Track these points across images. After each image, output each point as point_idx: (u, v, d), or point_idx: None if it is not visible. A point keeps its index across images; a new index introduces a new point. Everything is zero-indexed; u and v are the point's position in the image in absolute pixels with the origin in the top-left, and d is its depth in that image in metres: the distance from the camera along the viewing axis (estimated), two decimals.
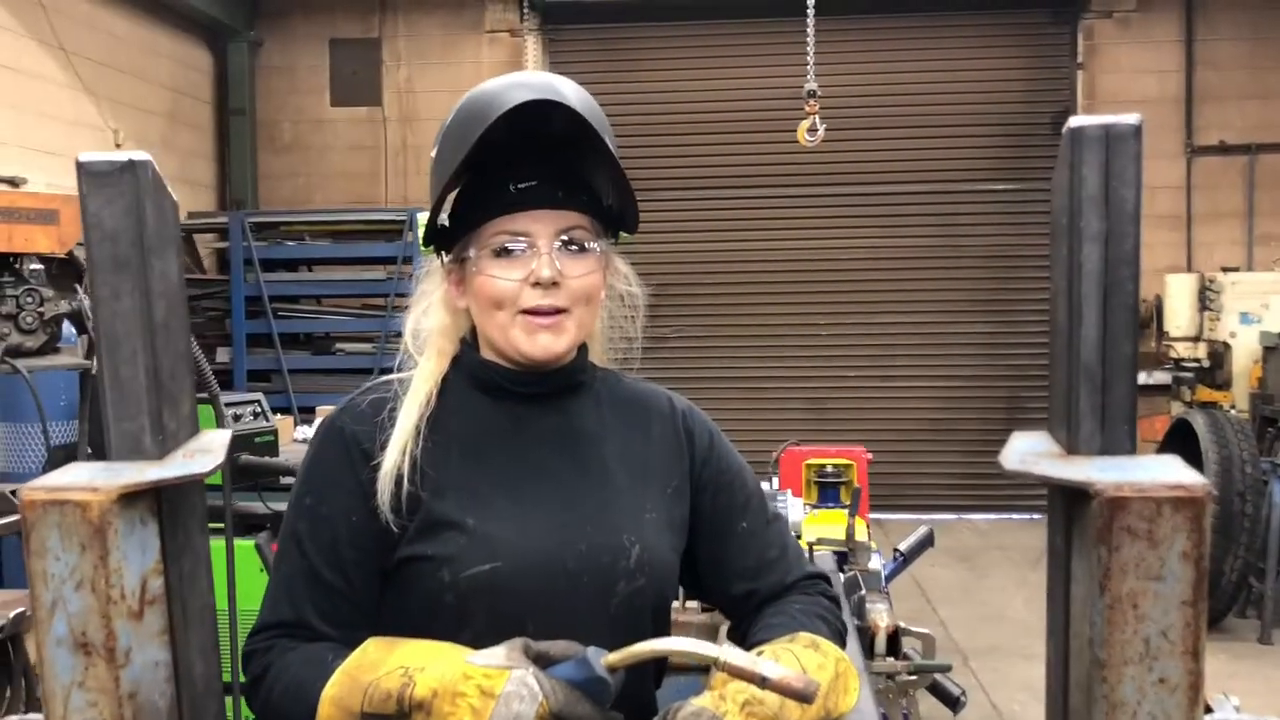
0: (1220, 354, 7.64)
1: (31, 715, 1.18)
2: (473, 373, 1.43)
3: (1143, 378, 8.63)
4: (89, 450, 3.09)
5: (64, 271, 3.02)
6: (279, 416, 4.32)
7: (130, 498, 0.99)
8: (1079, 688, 0.95)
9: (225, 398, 3.59)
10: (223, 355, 8.25)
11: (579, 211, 1.38)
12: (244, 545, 3.29)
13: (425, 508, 1.35)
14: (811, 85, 5.75)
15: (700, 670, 1.42)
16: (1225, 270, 7.91)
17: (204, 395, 3.28)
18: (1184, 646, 0.88)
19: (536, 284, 1.34)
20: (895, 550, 3.88)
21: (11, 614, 2.36)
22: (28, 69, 6.96)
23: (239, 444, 3.67)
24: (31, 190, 2.90)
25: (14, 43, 6.84)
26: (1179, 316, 7.93)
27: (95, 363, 1.07)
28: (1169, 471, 0.90)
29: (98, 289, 1.04)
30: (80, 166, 1.02)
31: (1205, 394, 7.52)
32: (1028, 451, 0.99)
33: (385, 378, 1.45)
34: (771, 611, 1.43)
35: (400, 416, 1.37)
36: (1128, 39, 8.84)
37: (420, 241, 1.43)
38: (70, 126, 7.27)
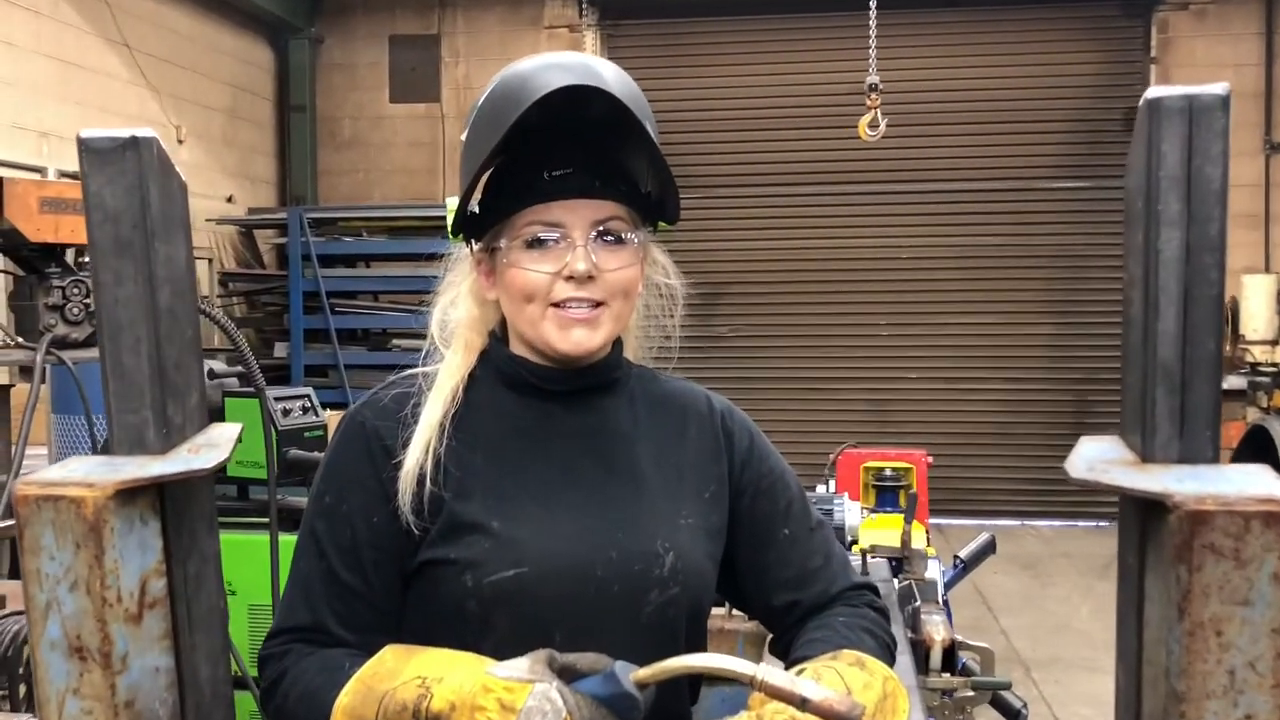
0: None
1: (25, 716, 1.14)
2: (500, 368, 1.37)
3: None
4: None
5: None
6: (329, 412, 4.31)
7: (129, 494, 0.94)
8: None
9: (274, 392, 3.56)
10: (280, 350, 8.31)
11: (616, 201, 1.31)
12: (289, 540, 3.26)
13: (448, 509, 1.28)
14: (873, 79, 5.62)
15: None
16: None
17: (251, 389, 3.25)
18: (1274, 679, 0.79)
19: (570, 277, 1.27)
20: (955, 557, 3.77)
21: None
22: (93, 65, 7.05)
23: (288, 439, 3.63)
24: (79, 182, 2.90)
25: (80, 39, 6.94)
26: (1256, 319, 7.66)
27: (98, 351, 1.01)
28: (1258, 483, 0.80)
29: (99, 273, 0.98)
30: (81, 143, 0.96)
31: None
32: (1097, 458, 0.89)
33: (410, 371, 1.39)
34: (814, 625, 1.35)
35: (424, 412, 1.31)
36: (1204, 31, 8.56)
37: (448, 230, 1.36)
38: (133, 122, 7.34)
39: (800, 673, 1.17)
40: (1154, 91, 0.84)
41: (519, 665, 1.10)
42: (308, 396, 3.97)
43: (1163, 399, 0.86)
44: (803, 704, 1.03)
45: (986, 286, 8.87)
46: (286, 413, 3.71)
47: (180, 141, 7.76)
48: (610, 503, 1.32)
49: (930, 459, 5.30)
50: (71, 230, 2.65)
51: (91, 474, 0.94)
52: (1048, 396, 8.89)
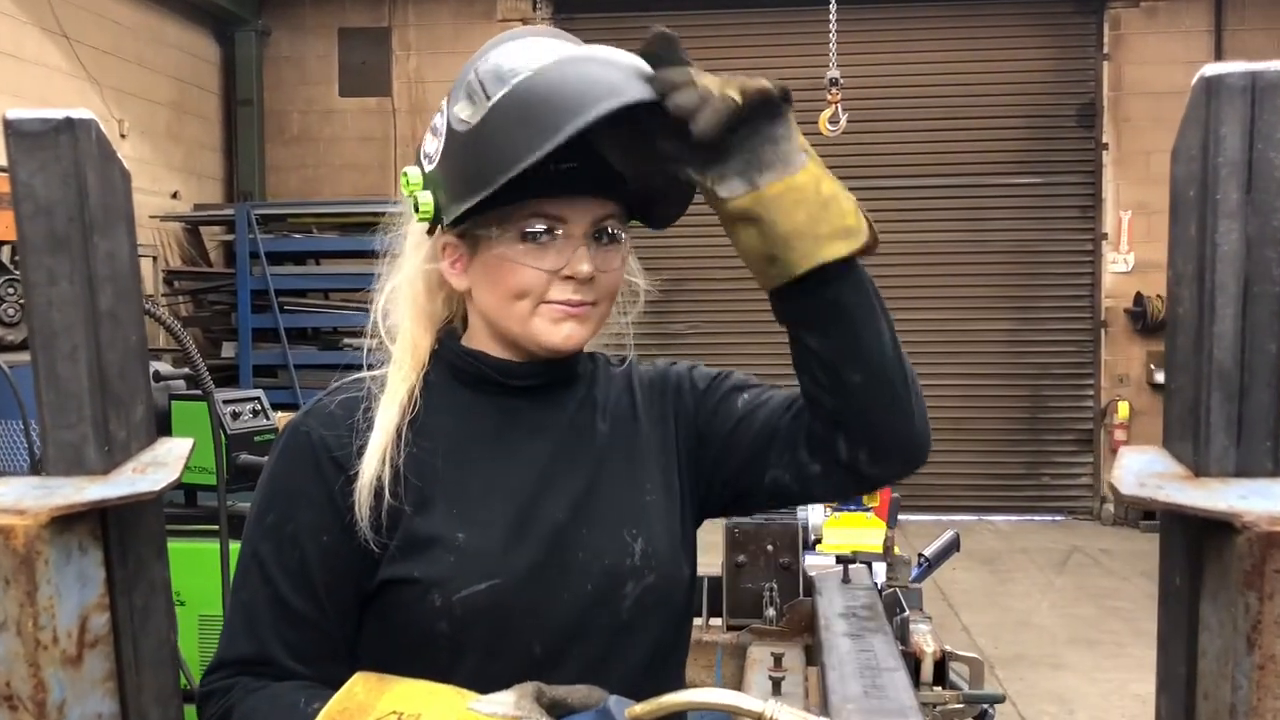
0: None
1: None
2: (455, 364, 1.27)
3: (1161, 377, 8.44)
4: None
5: None
6: (281, 414, 4.17)
7: (66, 521, 0.83)
8: None
9: (223, 395, 3.43)
10: (228, 350, 8.12)
11: (615, 200, 1.22)
12: (240, 548, 3.14)
13: (408, 522, 1.18)
14: (834, 73, 5.57)
15: None
16: None
17: (199, 392, 3.13)
18: None
19: (569, 278, 1.18)
20: (920, 555, 3.73)
21: None
22: (30, 57, 6.82)
23: (238, 443, 3.51)
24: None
25: (16, 30, 6.71)
26: None
27: (30, 358, 0.91)
28: None
29: (30, 272, 0.87)
30: (7, 125, 0.85)
31: None
32: (1146, 472, 0.82)
33: (355, 376, 1.28)
34: None
35: (378, 418, 1.20)
36: (1155, 29, 8.63)
37: (416, 209, 1.21)
38: None
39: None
40: (1213, 68, 0.77)
41: (504, 700, 1.00)
42: (258, 399, 3.84)
43: (1219, 407, 0.79)
44: None
45: (944, 281, 8.89)
46: (236, 416, 3.58)
47: (123, 136, 7.54)
48: (574, 495, 1.24)
49: None
50: (5, 227, 2.51)
51: (23, 499, 0.83)
52: (1003, 392, 8.92)
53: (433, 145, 1.22)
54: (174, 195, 8.34)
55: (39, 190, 0.86)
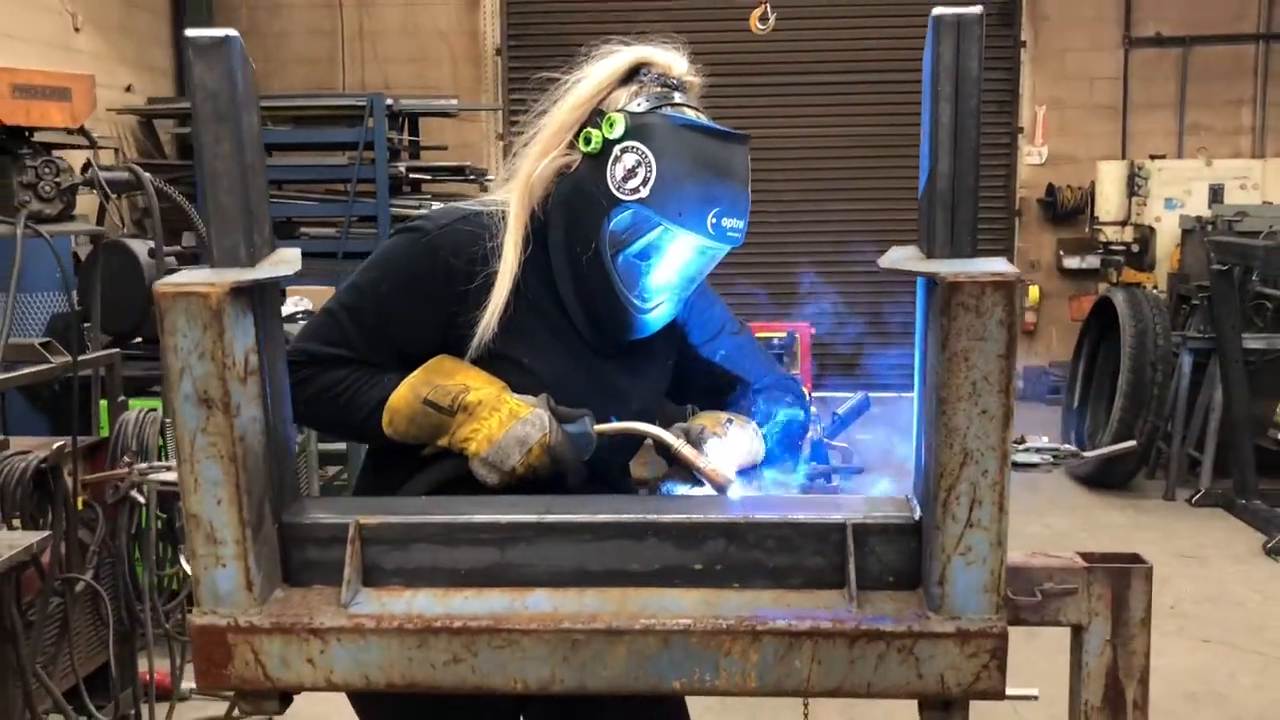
0: (1146, 238, 8.09)
1: (157, 464, 1.53)
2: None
3: (1075, 262, 9.07)
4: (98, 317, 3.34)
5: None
6: None
7: (237, 292, 1.33)
8: (928, 421, 1.33)
9: None
10: (188, 240, 8.43)
11: None
12: None
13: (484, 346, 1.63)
14: None
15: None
16: (1153, 158, 8.31)
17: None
18: (999, 387, 1.25)
19: None
20: (834, 414, 4.31)
21: (54, 445, 2.66)
22: None
23: None
24: (40, 69, 3.08)
25: None
26: (1110, 202, 8.34)
27: (199, 195, 1.39)
28: (993, 265, 1.26)
29: (202, 136, 1.35)
30: (188, 40, 1.33)
31: (1131, 275, 7.98)
32: (898, 257, 1.36)
33: (477, 210, 1.67)
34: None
35: (500, 276, 1.61)
36: None
37: (609, 127, 1.66)
38: (26, 10, 7.30)
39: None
40: (938, 10, 1.27)
41: (530, 399, 1.58)
42: None
43: (940, 217, 1.32)
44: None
45: (868, 172, 9.32)
46: None
47: (77, 30, 7.71)
48: (614, 385, 1.73)
49: (814, 330, 5.83)
50: (41, 115, 2.90)
51: (209, 277, 1.32)
52: None
53: None
54: (127, 89, 8.54)
55: (209, 82, 1.34)
